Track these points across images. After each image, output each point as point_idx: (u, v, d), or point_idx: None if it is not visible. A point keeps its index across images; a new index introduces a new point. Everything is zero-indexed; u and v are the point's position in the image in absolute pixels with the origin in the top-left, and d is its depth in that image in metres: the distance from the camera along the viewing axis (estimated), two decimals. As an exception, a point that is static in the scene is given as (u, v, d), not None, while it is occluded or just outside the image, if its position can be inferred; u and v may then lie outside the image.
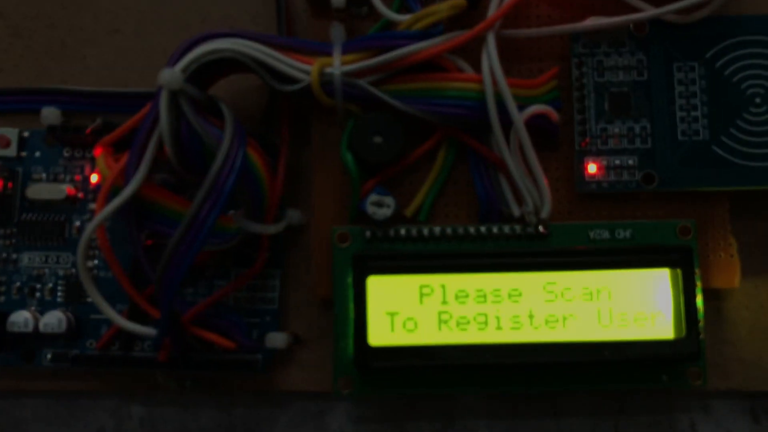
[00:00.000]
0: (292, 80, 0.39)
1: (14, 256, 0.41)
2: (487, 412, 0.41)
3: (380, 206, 0.39)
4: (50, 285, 0.41)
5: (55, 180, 0.41)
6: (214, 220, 0.35)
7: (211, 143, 0.36)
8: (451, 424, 0.41)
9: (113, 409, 0.42)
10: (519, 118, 0.38)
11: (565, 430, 0.41)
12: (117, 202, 0.36)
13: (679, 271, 0.38)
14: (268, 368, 0.40)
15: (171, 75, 0.36)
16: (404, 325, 0.38)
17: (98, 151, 0.39)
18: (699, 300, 0.38)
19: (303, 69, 0.38)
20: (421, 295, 0.38)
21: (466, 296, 0.38)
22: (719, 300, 0.41)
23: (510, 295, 0.38)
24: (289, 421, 0.42)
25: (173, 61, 0.37)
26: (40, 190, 0.41)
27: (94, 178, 0.41)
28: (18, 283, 0.41)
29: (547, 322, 0.37)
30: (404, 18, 0.39)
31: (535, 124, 0.40)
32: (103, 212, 0.36)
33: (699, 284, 0.38)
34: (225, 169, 0.35)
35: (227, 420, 0.42)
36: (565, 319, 0.37)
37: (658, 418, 0.41)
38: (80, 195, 0.41)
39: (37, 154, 0.41)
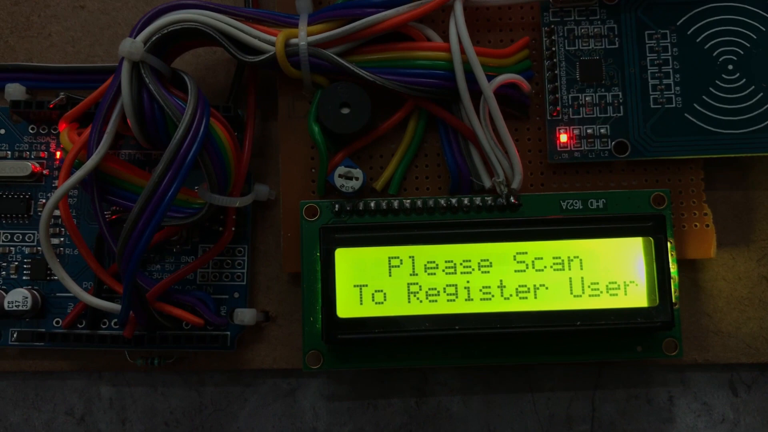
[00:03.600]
0: (257, 51, 0.38)
1: (-21, 234, 0.40)
2: (461, 387, 0.41)
3: (348, 179, 0.39)
4: (15, 263, 0.40)
5: (20, 157, 0.41)
6: (176, 191, 0.34)
7: (173, 114, 0.36)
8: (424, 400, 0.41)
9: (82, 389, 0.41)
10: (488, 86, 0.38)
11: (542, 404, 0.41)
12: (79, 174, 0.36)
13: (651, 239, 0.37)
14: (237, 345, 0.40)
15: (132, 45, 0.36)
16: (373, 298, 0.37)
17: (62, 126, 0.38)
18: (674, 269, 0.37)
19: (268, 40, 0.38)
20: (390, 267, 0.37)
21: (436, 267, 0.37)
22: (695, 271, 0.41)
23: (480, 266, 0.37)
24: (260, 400, 0.41)
25: (135, 32, 0.37)
26: (5, 167, 0.40)
27: (59, 155, 0.41)
28: (-17, 262, 0.40)
29: (517, 292, 0.37)
30: (372, -12, 0.39)
31: (506, 93, 0.39)
32: (65, 185, 0.36)
33: (673, 253, 0.38)
34: (186, 139, 0.35)
35: (197, 400, 0.41)
36: (536, 288, 0.37)
37: (636, 391, 0.41)
38: (45, 172, 0.41)
39: (2, 131, 0.41)
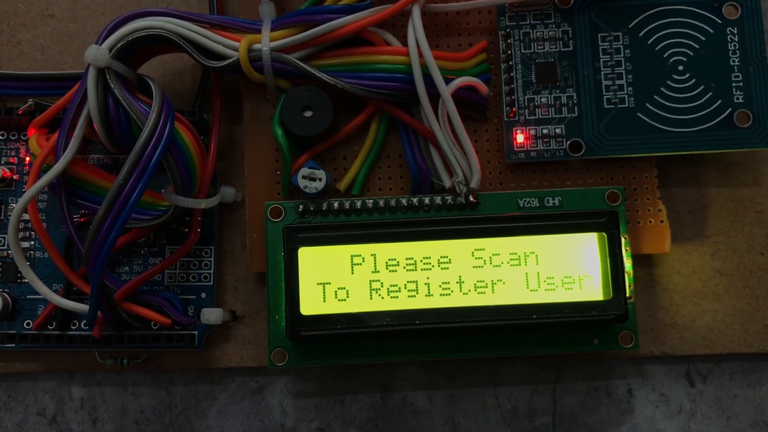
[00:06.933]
0: (221, 57, 0.39)
1: (-50, 239, 0.41)
2: (425, 382, 0.42)
3: (312, 180, 0.40)
4: (-14, 267, 0.41)
5: (-10, 163, 0.42)
6: (140, 192, 0.35)
7: (138, 118, 0.36)
8: (389, 395, 0.42)
9: (53, 390, 0.42)
10: (446, 89, 0.39)
11: (504, 398, 0.42)
12: (46, 177, 0.37)
13: (605, 234, 0.38)
14: (204, 344, 0.41)
15: (97, 52, 0.37)
16: (336, 295, 0.38)
17: (31, 132, 0.39)
18: (628, 264, 0.39)
19: (231, 45, 0.39)
20: (353, 264, 0.38)
21: (397, 265, 0.38)
22: (651, 266, 0.42)
23: (439, 263, 0.38)
24: (229, 398, 0.42)
25: (101, 39, 0.38)
26: (-25, 173, 0.41)
27: (28, 160, 0.41)
28: (-46, 266, 0.41)
29: (476, 287, 0.38)
30: (334, -5, 0.40)
31: (464, 96, 0.40)
32: (33, 188, 0.37)
33: (628, 248, 0.39)
34: (151, 142, 0.36)
35: (167, 399, 0.42)
36: (493, 284, 0.38)
37: (596, 384, 0.42)
38: (15, 177, 0.41)
39: (-28, 137, 0.42)
